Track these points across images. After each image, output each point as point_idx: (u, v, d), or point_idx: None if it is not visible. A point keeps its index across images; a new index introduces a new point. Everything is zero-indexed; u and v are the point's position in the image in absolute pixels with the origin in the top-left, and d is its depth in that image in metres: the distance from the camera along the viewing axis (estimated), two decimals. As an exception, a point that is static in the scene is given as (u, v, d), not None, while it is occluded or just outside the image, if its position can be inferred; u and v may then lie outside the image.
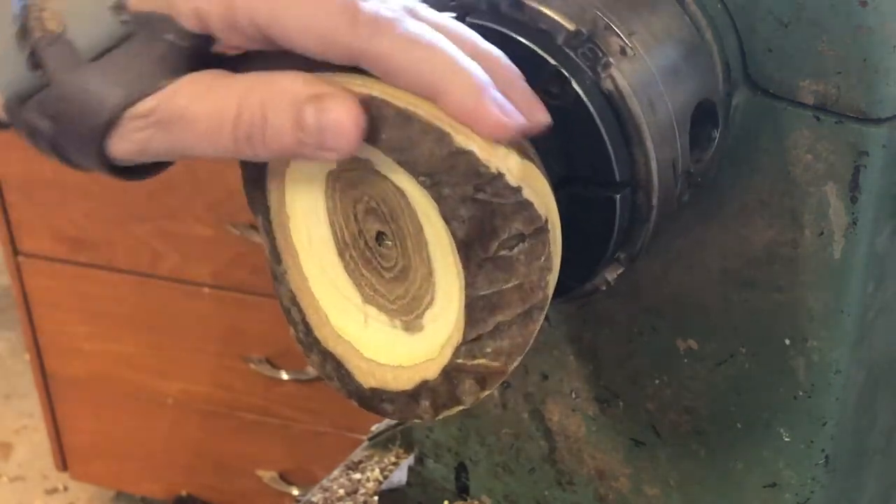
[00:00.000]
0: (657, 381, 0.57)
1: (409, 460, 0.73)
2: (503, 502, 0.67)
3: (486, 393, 0.42)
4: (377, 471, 0.81)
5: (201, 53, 0.40)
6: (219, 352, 1.66)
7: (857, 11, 0.45)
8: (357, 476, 0.81)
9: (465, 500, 0.69)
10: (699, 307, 0.53)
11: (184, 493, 1.82)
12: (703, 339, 0.54)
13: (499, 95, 0.39)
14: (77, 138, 0.40)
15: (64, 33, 0.39)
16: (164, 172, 0.45)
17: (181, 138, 0.40)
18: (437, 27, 0.40)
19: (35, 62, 0.39)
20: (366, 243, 0.45)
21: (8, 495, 2.04)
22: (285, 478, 1.74)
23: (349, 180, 0.44)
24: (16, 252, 1.66)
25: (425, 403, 0.43)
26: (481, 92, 0.38)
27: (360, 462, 0.83)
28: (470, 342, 0.41)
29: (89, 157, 0.41)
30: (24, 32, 0.39)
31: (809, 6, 0.45)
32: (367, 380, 0.45)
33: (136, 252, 1.61)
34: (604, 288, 0.48)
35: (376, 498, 0.76)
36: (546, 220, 0.40)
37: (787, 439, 0.54)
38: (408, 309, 0.44)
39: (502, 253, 0.40)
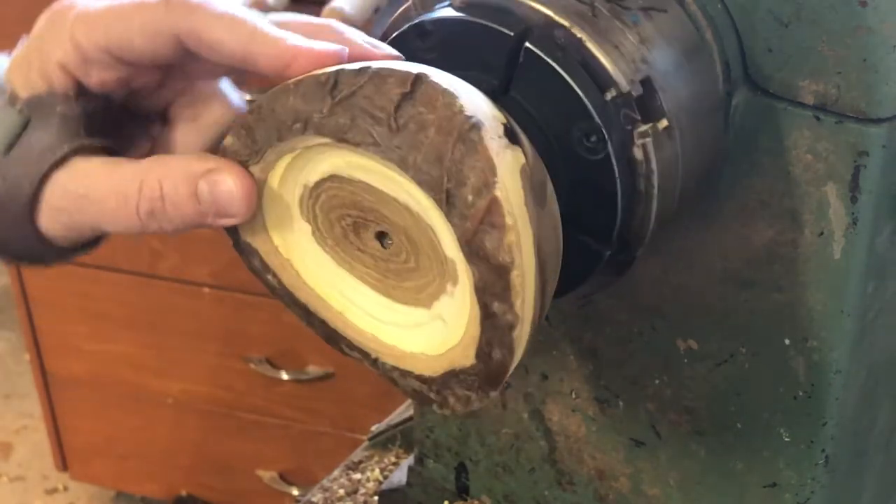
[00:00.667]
0: (657, 381, 0.57)
1: (409, 460, 0.73)
2: (503, 502, 0.67)
3: (510, 239, 0.40)
4: (377, 471, 0.81)
5: (91, 120, 0.45)
6: (219, 352, 1.66)
7: (857, 11, 0.45)
8: (357, 476, 0.81)
9: (465, 500, 0.69)
10: (699, 307, 0.53)
11: (184, 493, 1.82)
12: (703, 339, 0.54)
13: (307, 40, 0.43)
14: (14, 228, 0.46)
15: None
16: None
17: (96, 217, 0.45)
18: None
19: None
20: (383, 260, 0.45)
21: (8, 495, 2.04)
22: (285, 478, 1.74)
23: (324, 223, 0.46)
24: (16, 252, 1.66)
25: (495, 306, 0.41)
26: (284, 42, 0.43)
27: (360, 462, 0.83)
28: (448, 205, 0.40)
29: (33, 246, 0.46)
30: None
31: (809, 6, 0.45)
32: (470, 354, 0.44)
33: (136, 252, 1.60)
34: (650, 141, 0.45)
35: (376, 498, 0.76)
36: (418, 72, 0.40)
37: (787, 439, 0.54)
38: (441, 268, 0.44)
39: (404, 120, 0.40)
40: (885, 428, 0.60)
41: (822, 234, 0.49)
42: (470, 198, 0.40)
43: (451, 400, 0.45)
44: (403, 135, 0.40)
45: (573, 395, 0.60)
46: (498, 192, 0.39)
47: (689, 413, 0.56)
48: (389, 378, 0.48)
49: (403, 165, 0.40)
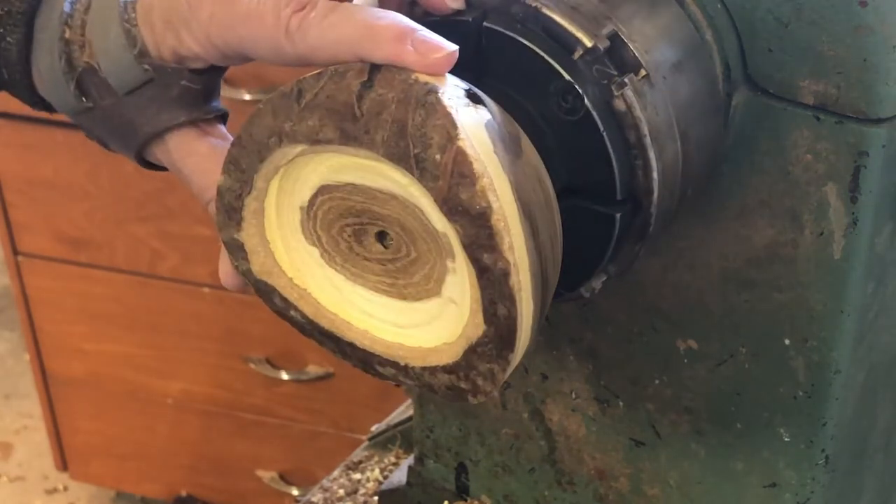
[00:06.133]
0: (657, 381, 0.57)
1: (409, 460, 0.73)
2: (503, 502, 0.67)
3: (483, 184, 0.40)
4: (377, 471, 0.81)
5: (207, 93, 0.49)
6: (219, 352, 1.66)
7: (857, 11, 0.45)
8: (357, 476, 0.81)
9: (465, 500, 0.69)
10: (699, 307, 0.53)
11: (184, 493, 1.83)
12: (703, 339, 0.54)
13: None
14: (119, 146, 0.51)
15: (98, 70, 0.48)
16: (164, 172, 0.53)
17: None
18: None
19: (82, 91, 0.49)
20: (389, 261, 0.46)
21: (8, 495, 2.04)
22: (285, 478, 1.74)
23: (329, 242, 0.46)
24: (16, 252, 1.66)
25: (485, 258, 0.42)
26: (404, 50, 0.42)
27: (360, 462, 0.83)
28: (420, 170, 0.41)
29: (131, 159, 0.52)
30: (69, 66, 0.48)
31: (809, 6, 0.45)
32: (479, 322, 0.44)
33: (136, 252, 1.60)
34: (587, 296, 0.48)
35: (376, 498, 0.76)
36: (373, 62, 0.42)
37: (787, 439, 0.54)
38: (437, 246, 0.44)
39: (367, 106, 0.41)
40: (885, 428, 0.60)
41: (822, 234, 0.49)
42: (437, 157, 0.40)
43: (480, 381, 0.46)
44: (367, 119, 0.41)
45: (573, 395, 0.60)
46: (461, 143, 0.40)
47: (689, 413, 0.57)
48: (424, 384, 0.47)
49: (372, 147, 0.41)
